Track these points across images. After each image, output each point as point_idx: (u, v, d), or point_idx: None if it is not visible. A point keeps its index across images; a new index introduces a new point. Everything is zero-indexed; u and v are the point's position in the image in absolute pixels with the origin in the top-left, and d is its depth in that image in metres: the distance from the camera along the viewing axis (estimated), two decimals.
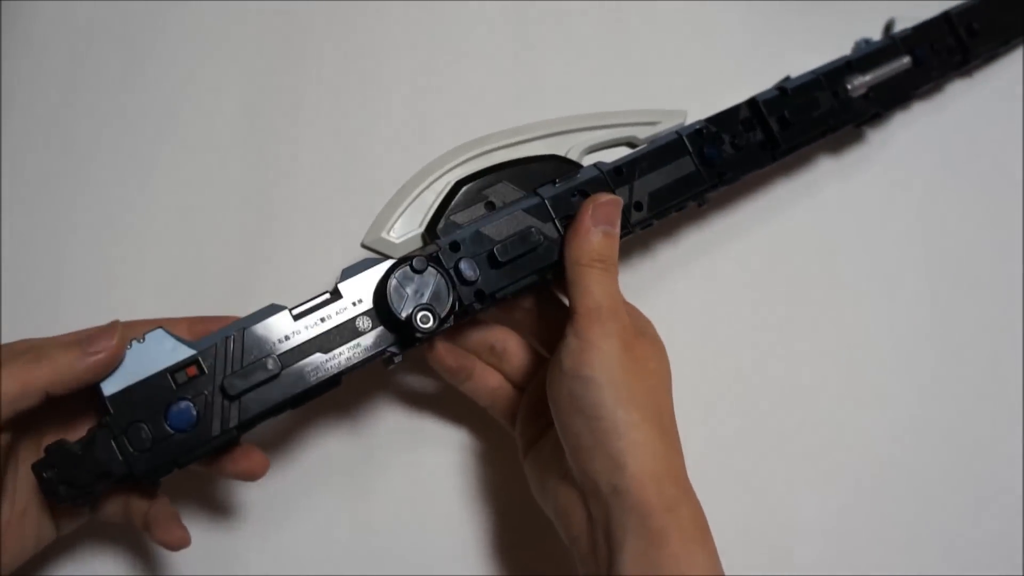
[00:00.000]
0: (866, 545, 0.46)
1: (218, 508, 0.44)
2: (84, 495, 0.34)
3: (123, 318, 0.40)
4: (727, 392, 0.49)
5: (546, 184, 0.40)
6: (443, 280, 0.37)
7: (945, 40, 0.54)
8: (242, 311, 0.40)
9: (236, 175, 0.52)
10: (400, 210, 0.38)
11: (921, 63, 0.52)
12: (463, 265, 0.37)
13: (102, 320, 0.40)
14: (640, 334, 0.38)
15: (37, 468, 0.33)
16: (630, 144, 0.44)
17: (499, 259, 0.38)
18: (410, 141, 0.53)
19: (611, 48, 0.58)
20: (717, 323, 0.50)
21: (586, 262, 0.38)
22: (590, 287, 0.37)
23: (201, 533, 0.43)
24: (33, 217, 0.51)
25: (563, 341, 0.37)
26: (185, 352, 0.35)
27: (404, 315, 0.36)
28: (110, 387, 0.34)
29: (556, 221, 0.39)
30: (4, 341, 0.42)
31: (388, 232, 0.37)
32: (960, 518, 0.47)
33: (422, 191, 0.38)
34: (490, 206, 0.39)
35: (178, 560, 0.43)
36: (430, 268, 0.37)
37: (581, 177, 0.41)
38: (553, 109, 0.53)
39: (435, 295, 0.37)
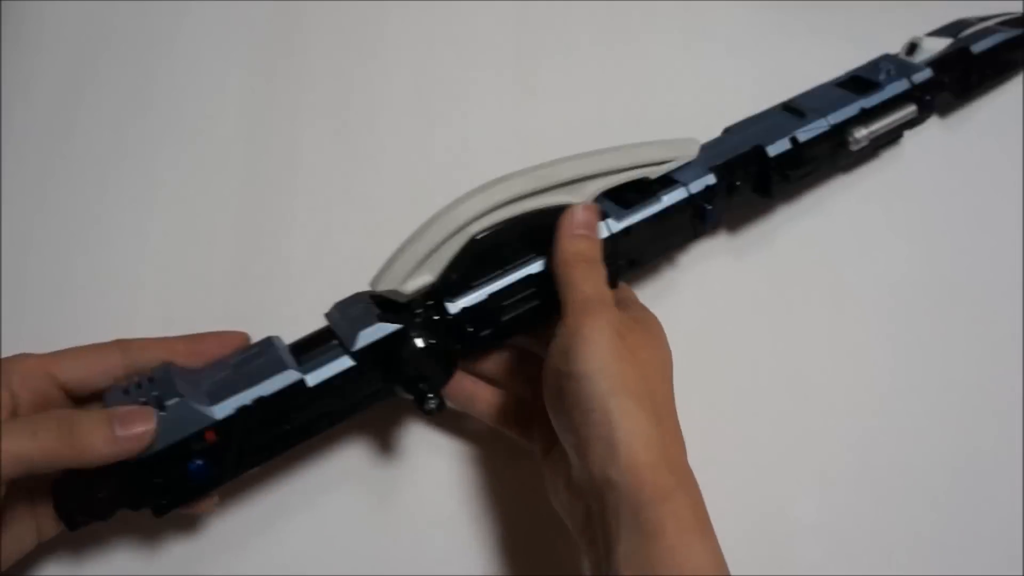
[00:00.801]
0: (866, 545, 0.46)
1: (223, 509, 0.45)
2: (98, 519, 0.36)
3: (123, 319, 0.44)
4: (727, 394, 0.48)
5: None
6: (447, 344, 0.39)
7: (955, 75, 0.54)
8: (241, 314, 0.43)
9: (238, 177, 0.53)
10: (415, 264, 0.37)
11: (926, 109, 0.52)
12: (470, 328, 0.39)
13: (101, 322, 0.43)
14: (635, 323, 0.39)
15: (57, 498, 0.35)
16: (642, 182, 0.44)
17: (502, 319, 0.39)
18: (412, 155, 0.54)
19: (615, 51, 0.58)
20: (717, 325, 0.50)
21: (571, 260, 0.39)
22: (576, 282, 0.38)
23: (207, 535, 0.44)
24: (33, 218, 0.51)
25: (555, 338, 0.37)
26: (205, 421, 0.35)
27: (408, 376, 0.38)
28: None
29: None
30: (4, 344, 0.44)
31: (401, 283, 0.38)
32: (960, 518, 0.47)
33: (439, 246, 0.38)
34: (500, 262, 0.40)
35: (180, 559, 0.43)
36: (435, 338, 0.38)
37: None
38: (557, 114, 0.54)
39: (437, 360, 0.38)
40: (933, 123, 0.57)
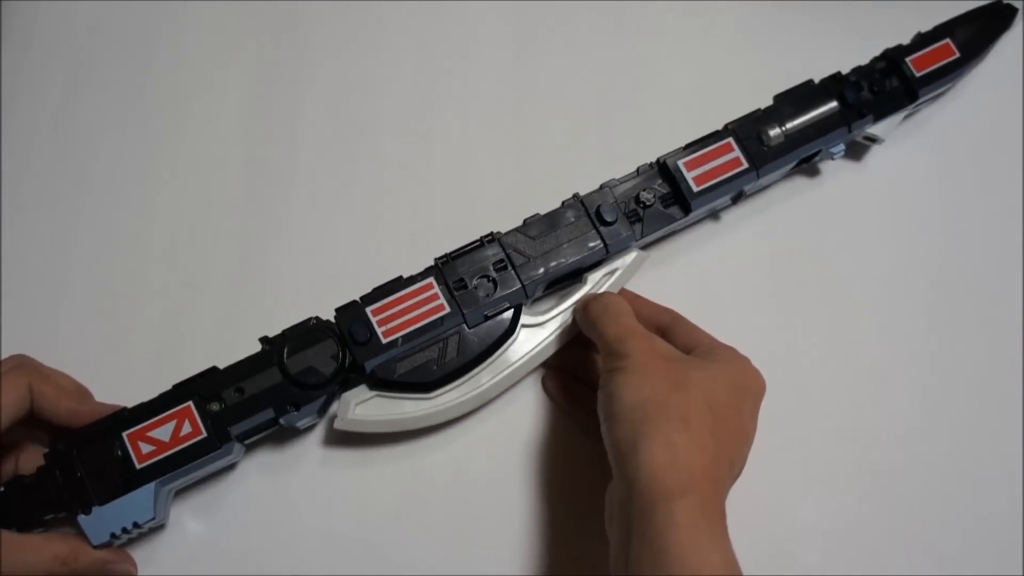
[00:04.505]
0: (867, 546, 0.47)
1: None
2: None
3: (124, 320, 0.49)
4: None
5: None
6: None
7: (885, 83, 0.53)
8: (240, 314, 0.49)
9: (238, 178, 0.54)
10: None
11: (851, 106, 0.51)
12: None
13: (101, 322, 0.49)
14: (672, 354, 0.42)
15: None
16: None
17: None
18: (410, 157, 0.55)
19: (615, 50, 0.58)
20: (716, 327, 0.48)
21: (592, 315, 0.44)
22: (601, 331, 0.43)
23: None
24: (33, 218, 0.53)
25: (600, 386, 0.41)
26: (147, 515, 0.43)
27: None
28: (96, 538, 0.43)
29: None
30: (4, 344, 0.49)
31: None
32: (960, 519, 0.47)
33: None
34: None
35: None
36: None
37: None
38: (551, 113, 0.57)
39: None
40: (924, 116, 0.56)
